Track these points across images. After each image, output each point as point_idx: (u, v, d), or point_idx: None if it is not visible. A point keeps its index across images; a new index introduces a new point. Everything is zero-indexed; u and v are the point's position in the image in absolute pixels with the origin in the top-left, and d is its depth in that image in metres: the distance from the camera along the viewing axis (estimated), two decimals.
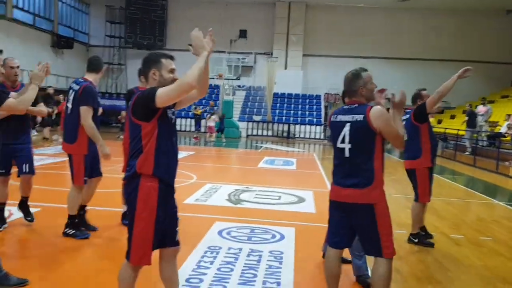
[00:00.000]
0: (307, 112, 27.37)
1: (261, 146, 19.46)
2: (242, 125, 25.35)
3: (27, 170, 4.91)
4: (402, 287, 3.96)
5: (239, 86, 27.89)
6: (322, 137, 25.85)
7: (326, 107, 28.87)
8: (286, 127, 25.70)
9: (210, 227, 5.35)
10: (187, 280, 3.68)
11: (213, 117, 19.31)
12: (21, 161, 4.88)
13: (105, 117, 15.64)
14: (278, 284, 3.75)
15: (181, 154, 13.44)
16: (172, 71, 2.84)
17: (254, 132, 25.62)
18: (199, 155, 14.64)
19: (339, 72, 30.14)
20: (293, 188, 8.54)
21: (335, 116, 3.20)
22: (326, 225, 5.88)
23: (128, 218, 2.81)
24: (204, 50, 2.68)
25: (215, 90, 27.93)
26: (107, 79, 28.69)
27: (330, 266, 3.22)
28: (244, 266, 4.11)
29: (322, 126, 26.48)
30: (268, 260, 4.33)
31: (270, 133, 25.61)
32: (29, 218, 5.10)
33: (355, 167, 3.02)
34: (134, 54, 29.20)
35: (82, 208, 4.92)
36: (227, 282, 3.71)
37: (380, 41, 27.84)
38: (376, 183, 2.97)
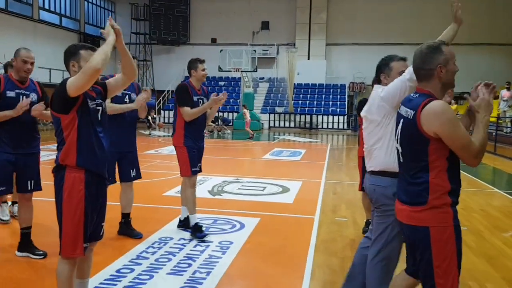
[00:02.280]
0: (330, 102, 27.00)
1: (277, 138, 19.40)
2: (264, 117, 25.34)
3: (32, 187, 4.12)
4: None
5: (261, 78, 27.86)
6: (345, 127, 25.50)
7: (351, 96, 28.44)
8: (308, 118, 25.46)
9: (173, 218, 5.41)
10: (117, 271, 3.74)
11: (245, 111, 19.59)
12: (26, 175, 4.07)
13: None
14: (208, 274, 3.75)
15: None
16: None
17: (277, 124, 25.54)
18: (209, 147, 14.77)
19: (364, 60, 29.78)
20: (284, 178, 8.48)
21: (400, 105, 2.48)
22: (295, 216, 5.89)
23: (56, 210, 2.76)
24: (111, 35, 2.70)
25: (239, 83, 28.03)
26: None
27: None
28: (184, 257, 4.14)
29: (346, 116, 26.12)
30: (212, 250, 4.34)
31: (292, 124, 25.45)
32: (41, 253, 4.05)
33: (409, 177, 2.33)
34: (159, 50, 29.75)
35: (125, 216, 4.78)
36: (157, 272, 3.75)
37: (406, 26, 27.01)
38: (434, 201, 2.23)
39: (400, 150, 2.41)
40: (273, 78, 28.56)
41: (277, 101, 27.23)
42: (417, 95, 2.35)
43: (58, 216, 2.71)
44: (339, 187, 7.93)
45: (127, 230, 4.74)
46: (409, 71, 2.67)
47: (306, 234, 5.01)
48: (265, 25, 29.00)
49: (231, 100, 27.08)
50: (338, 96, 27.40)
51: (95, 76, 2.60)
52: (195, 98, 4.72)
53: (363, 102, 4.48)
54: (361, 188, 4.80)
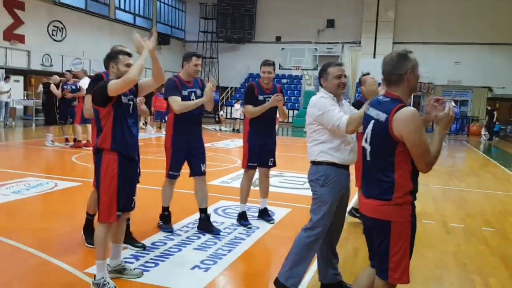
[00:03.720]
0: None
1: None
2: None
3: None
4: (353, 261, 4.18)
5: None
6: None
7: (418, 96, 27.73)
8: None
9: (211, 204, 5.93)
10: (152, 243, 4.34)
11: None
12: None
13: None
14: (229, 251, 4.24)
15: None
16: (128, 65, 3.37)
17: None
18: None
19: (434, 59, 28.93)
20: None
21: (368, 107, 2.67)
22: None
23: (96, 185, 3.41)
24: (144, 49, 3.30)
25: (301, 80, 28.31)
26: (200, 72, 30.55)
27: (356, 282, 2.83)
28: (212, 236, 4.65)
29: None
30: (239, 233, 4.82)
31: None
32: (140, 245, 4.27)
33: (375, 175, 2.53)
34: (225, 48, 30.74)
35: (203, 211, 4.91)
36: (185, 246, 4.30)
37: (479, 25, 25.88)
38: (397, 199, 2.45)
39: (368, 150, 2.57)
40: None
41: None
42: (387, 99, 2.51)
43: (97, 189, 3.34)
44: None
45: (206, 225, 4.84)
46: (341, 123, 3.12)
47: None
48: (330, 23, 29.03)
49: (292, 98, 27.46)
50: None
51: (130, 85, 3.25)
52: (261, 97, 4.98)
53: (356, 104, 4.72)
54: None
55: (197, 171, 4.83)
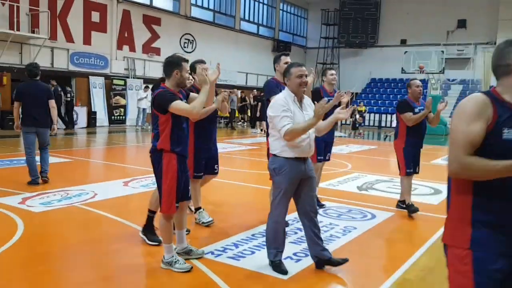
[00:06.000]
0: None
1: None
2: None
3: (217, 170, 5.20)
4: None
5: (452, 80, 26.21)
6: None
7: None
8: None
9: None
10: (252, 235, 4.74)
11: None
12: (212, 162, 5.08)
13: None
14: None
15: (362, 147, 14.14)
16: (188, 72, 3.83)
17: None
18: (381, 149, 14.95)
19: None
20: (443, 182, 8.36)
21: None
22: (429, 215, 5.98)
23: (156, 181, 3.77)
24: (206, 84, 3.70)
25: (427, 84, 26.84)
26: (318, 79, 30.72)
27: None
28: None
29: None
30: (335, 231, 4.97)
31: None
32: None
33: None
34: (346, 53, 30.57)
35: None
36: None
37: None
38: (452, 214, 1.95)
39: None
40: (468, 80, 26.54)
41: None
42: None
43: (158, 184, 3.76)
44: None
45: None
46: (281, 132, 3.57)
47: (429, 233, 5.13)
48: (461, 23, 27.19)
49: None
50: None
51: (190, 116, 3.73)
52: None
53: (404, 102, 5.80)
54: (405, 173, 5.87)
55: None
